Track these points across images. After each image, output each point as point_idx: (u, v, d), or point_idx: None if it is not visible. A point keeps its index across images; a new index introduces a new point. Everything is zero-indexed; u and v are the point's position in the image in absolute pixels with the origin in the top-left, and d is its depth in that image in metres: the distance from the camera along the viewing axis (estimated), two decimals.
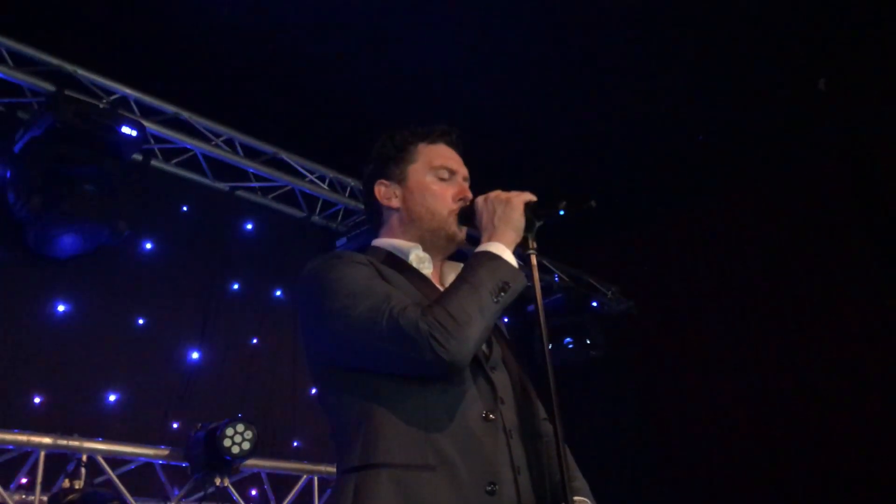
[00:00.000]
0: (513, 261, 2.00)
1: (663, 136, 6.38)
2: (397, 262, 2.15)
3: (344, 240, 6.19)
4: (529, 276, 2.02)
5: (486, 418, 1.95)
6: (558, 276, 7.26)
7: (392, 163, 2.28)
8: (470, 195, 2.24)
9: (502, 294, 1.93)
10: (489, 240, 2.03)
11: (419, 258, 2.17)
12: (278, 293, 5.87)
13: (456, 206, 2.21)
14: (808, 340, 6.54)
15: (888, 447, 5.90)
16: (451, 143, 2.32)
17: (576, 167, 6.46)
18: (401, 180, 2.26)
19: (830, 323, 6.44)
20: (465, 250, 2.13)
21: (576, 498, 2.08)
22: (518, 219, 2.04)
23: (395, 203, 2.25)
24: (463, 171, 2.30)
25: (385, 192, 2.27)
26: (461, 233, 2.21)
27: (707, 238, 7.26)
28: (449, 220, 2.20)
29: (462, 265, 2.06)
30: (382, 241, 2.25)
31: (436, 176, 2.25)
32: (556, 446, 1.89)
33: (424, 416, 1.89)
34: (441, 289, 2.08)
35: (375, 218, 2.31)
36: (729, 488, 6.63)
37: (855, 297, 6.36)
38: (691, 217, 7.35)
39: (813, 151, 6.57)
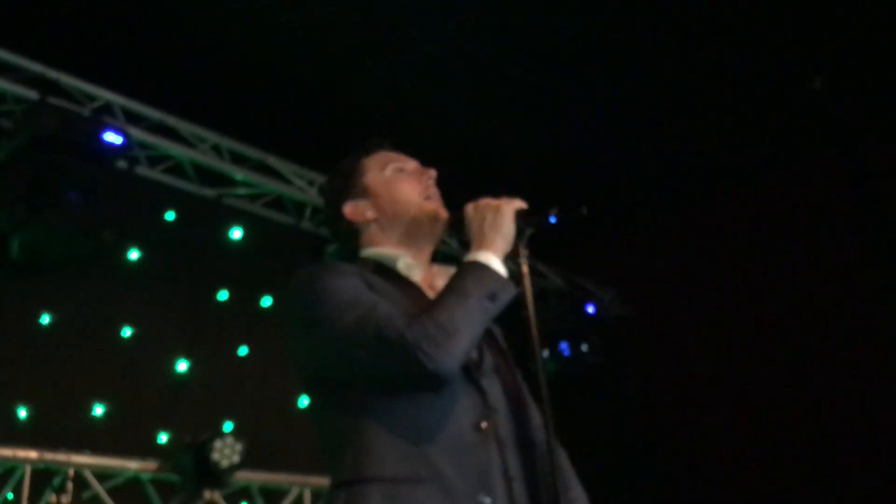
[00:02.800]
0: (502, 270, 1.97)
1: (658, 136, 6.32)
2: (386, 272, 2.12)
3: (334, 246, 6.12)
4: (521, 284, 1.99)
5: (478, 428, 1.91)
6: (554, 281, 7.21)
7: (348, 185, 2.26)
8: (432, 173, 2.25)
9: (491, 304, 1.90)
10: (478, 248, 1.99)
11: (407, 266, 2.15)
12: (268, 301, 5.79)
13: (423, 188, 2.21)
14: (812, 345, 6.47)
15: (890, 453, 5.84)
16: (388, 150, 2.33)
17: (572, 170, 6.41)
18: (364, 192, 2.23)
19: (834, 327, 6.37)
20: (458, 255, 2.08)
21: None
22: (508, 227, 2.01)
23: (370, 214, 2.22)
24: (411, 163, 2.30)
25: (355, 209, 2.23)
26: (443, 210, 2.19)
27: (705, 241, 7.20)
28: (425, 204, 2.19)
29: (452, 269, 2.05)
30: (370, 252, 2.21)
31: (392, 171, 2.25)
32: (549, 455, 1.87)
33: (415, 428, 1.87)
34: (431, 296, 2.04)
35: (355, 239, 2.26)
36: (731, 497, 6.56)
37: (856, 300, 6.30)
38: (689, 219, 7.30)
39: (810, 151, 6.52)
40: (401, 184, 2.21)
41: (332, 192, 2.30)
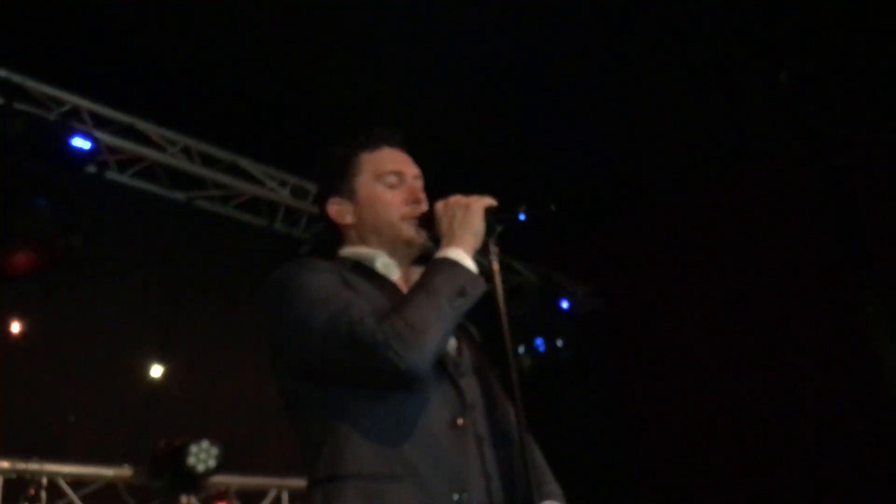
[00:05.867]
0: (471, 266, 1.97)
1: (629, 132, 6.35)
2: (364, 270, 2.12)
3: (307, 247, 6.10)
4: (492, 281, 2.00)
5: (454, 425, 1.93)
6: (528, 277, 7.22)
7: (339, 179, 2.23)
8: (421, 196, 2.20)
9: (460, 300, 1.91)
10: (448, 245, 2.00)
11: (385, 264, 2.15)
12: (241, 304, 5.75)
13: (408, 210, 2.16)
14: (784, 336, 6.52)
15: (868, 444, 5.89)
16: (394, 144, 2.27)
17: (544, 166, 6.42)
18: (351, 195, 2.21)
19: (805, 320, 6.42)
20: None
21: (546, 503, 2.06)
22: (478, 224, 2.01)
23: (350, 219, 2.21)
24: (412, 170, 2.24)
25: (338, 210, 2.22)
26: (419, 237, 2.16)
27: (678, 235, 7.22)
28: (403, 226, 2.15)
29: None
30: (348, 251, 2.21)
31: (384, 184, 2.19)
32: (522, 450, 1.89)
33: (390, 426, 1.88)
34: None
35: (334, 236, 2.27)
36: (706, 491, 6.60)
37: (827, 290, 6.35)
38: (661, 214, 7.32)
39: (778, 144, 6.56)
40: (386, 201, 2.17)
41: (323, 179, 2.27)
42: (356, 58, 5.45)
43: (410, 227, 2.15)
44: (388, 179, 2.19)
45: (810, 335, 6.38)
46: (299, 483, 5.08)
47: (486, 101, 5.94)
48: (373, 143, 2.25)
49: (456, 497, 1.85)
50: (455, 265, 1.95)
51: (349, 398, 1.90)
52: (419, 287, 1.92)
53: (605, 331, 7.46)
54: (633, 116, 6.20)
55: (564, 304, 7.27)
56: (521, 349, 6.92)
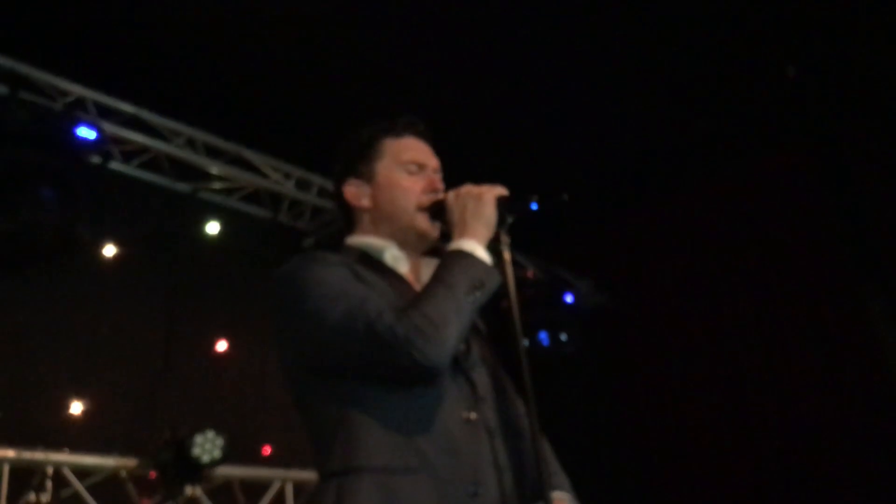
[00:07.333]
0: (486, 258, 1.96)
1: (634, 127, 6.34)
2: (372, 262, 2.11)
3: (311, 239, 6.10)
4: (503, 272, 1.99)
5: (468, 419, 1.93)
6: (530, 270, 7.21)
7: (360, 161, 2.22)
8: (440, 187, 2.19)
9: (477, 293, 1.90)
10: (461, 236, 1.99)
11: (394, 257, 2.13)
12: (245, 296, 5.76)
13: (426, 201, 2.15)
14: (788, 334, 6.51)
15: (870, 441, 5.89)
16: (418, 135, 2.26)
17: (549, 158, 6.41)
18: (369, 178, 2.20)
19: (810, 316, 6.41)
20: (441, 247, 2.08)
21: (556, 493, 2.06)
22: (490, 214, 2.00)
23: (366, 202, 2.19)
24: (433, 162, 2.24)
25: (355, 192, 2.20)
26: (433, 229, 2.15)
27: (682, 230, 7.21)
28: (418, 217, 2.14)
29: (437, 260, 2.03)
30: (356, 240, 2.20)
31: (405, 171, 2.18)
32: (534, 443, 1.88)
33: (404, 419, 1.87)
34: (417, 288, 2.04)
35: (347, 218, 2.26)
36: (709, 486, 6.60)
37: (832, 287, 6.34)
38: (666, 208, 7.31)
39: (786, 140, 6.54)
40: (404, 188, 2.16)
41: (344, 160, 2.26)
42: (363, 48, 5.44)
43: (425, 219, 2.13)
44: (409, 167, 2.18)
45: (815, 330, 6.37)
46: (303, 475, 5.11)
47: (495, 94, 5.93)
48: (397, 130, 2.24)
49: (470, 489, 1.85)
50: (470, 257, 1.94)
51: (363, 391, 1.89)
52: (436, 281, 1.91)
53: (609, 325, 7.45)
54: (639, 112, 6.19)
55: (568, 299, 7.25)
56: (525, 343, 6.91)
